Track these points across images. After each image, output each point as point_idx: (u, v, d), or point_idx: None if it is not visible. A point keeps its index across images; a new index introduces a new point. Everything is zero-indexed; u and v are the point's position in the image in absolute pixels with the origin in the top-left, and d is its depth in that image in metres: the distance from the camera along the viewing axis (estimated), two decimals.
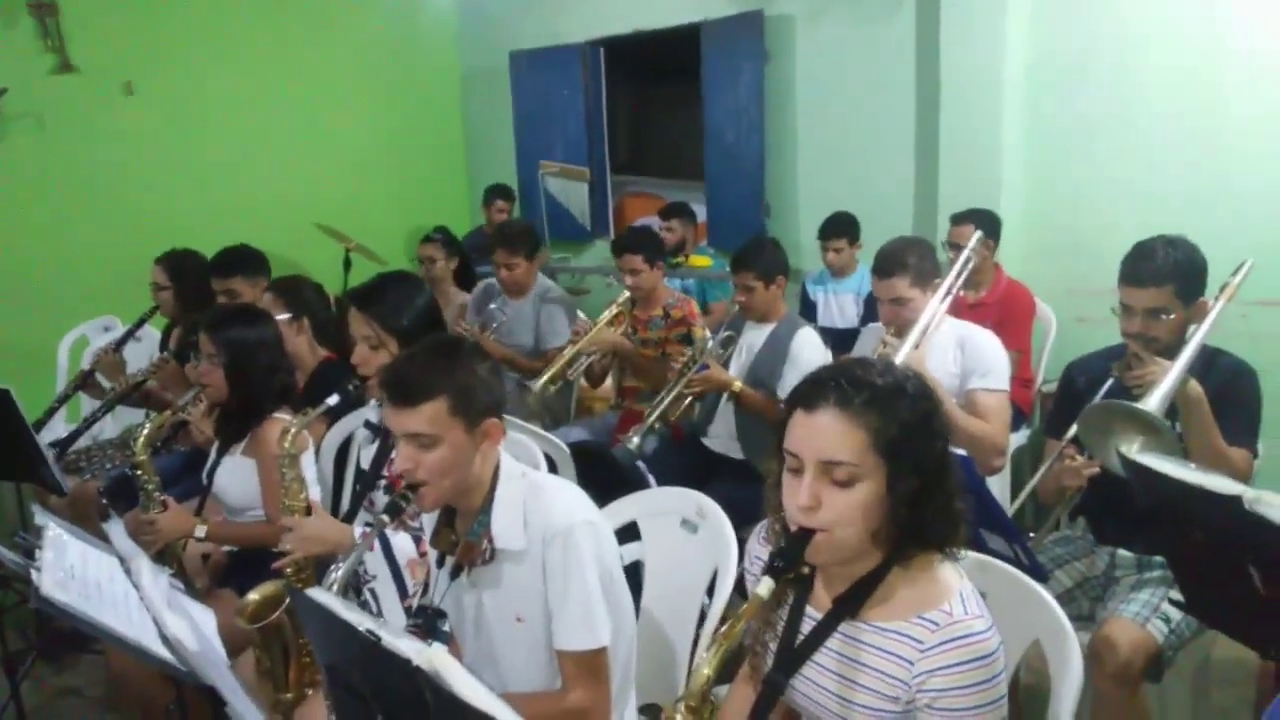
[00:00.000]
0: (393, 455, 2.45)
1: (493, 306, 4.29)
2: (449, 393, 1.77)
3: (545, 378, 3.80)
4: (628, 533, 2.32)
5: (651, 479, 3.24)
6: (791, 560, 1.42)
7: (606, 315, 3.95)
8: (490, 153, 7.11)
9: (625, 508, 2.36)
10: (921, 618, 1.45)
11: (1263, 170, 3.82)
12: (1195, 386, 2.26)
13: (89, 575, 1.83)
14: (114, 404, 3.78)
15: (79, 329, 4.83)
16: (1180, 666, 2.32)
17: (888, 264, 2.92)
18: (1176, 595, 2.06)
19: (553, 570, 1.79)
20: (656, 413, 3.55)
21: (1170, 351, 2.32)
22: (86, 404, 4.18)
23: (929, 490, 1.43)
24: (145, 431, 2.68)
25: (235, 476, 2.71)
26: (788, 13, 5.35)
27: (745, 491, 3.12)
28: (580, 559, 1.77)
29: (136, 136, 5.48)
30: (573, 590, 1.77)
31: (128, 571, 1.83)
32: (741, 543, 2.05)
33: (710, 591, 2.14)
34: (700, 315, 4.13)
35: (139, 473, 2.62)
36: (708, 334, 3.68)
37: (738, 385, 3.43)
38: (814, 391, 1.45)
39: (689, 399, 3.58)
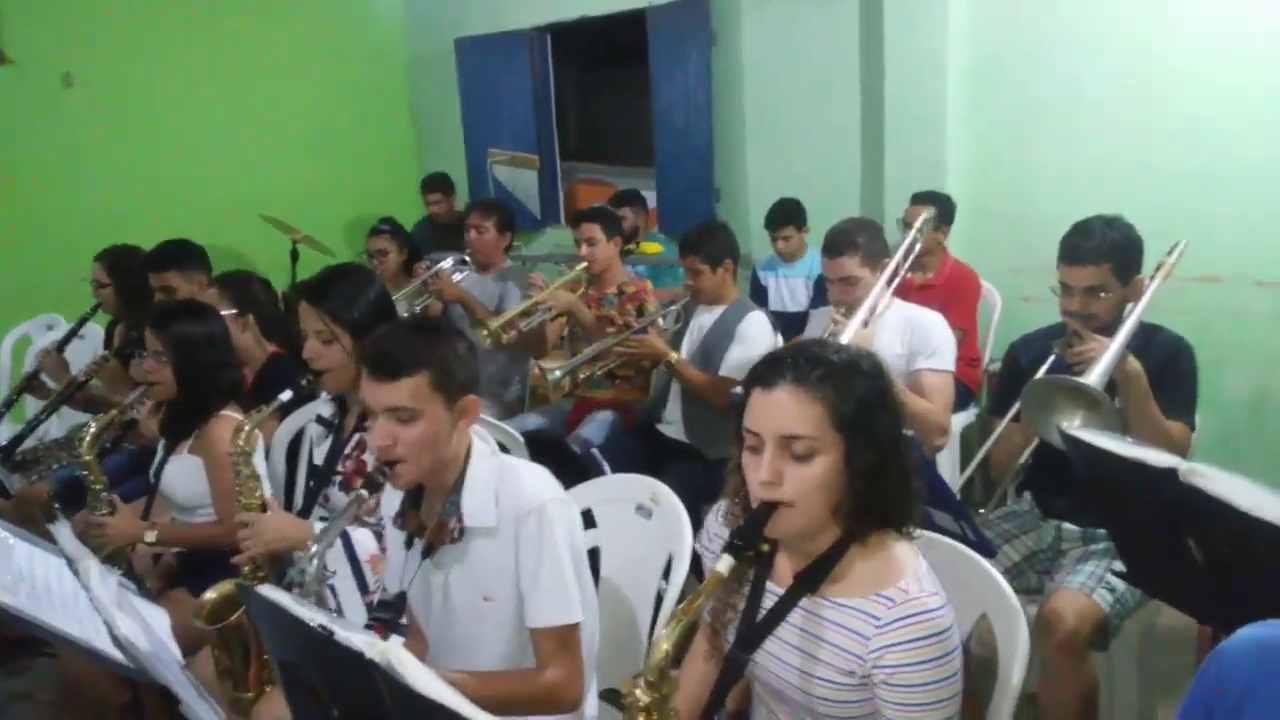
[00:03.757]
0: (347, 451, 2.46)
1: (453, 258, 4.36)
2: (431, 367, 1.78)
3: (499, 323, 3.80)
4: (583, 520, 2.33)
5: (606, 466, 3.25)
6: (751, 538, 1.45)
7: (564, 279, 3.97)
8: (438, 141, 7.06)
9: (580, 495, 2.36)
10: (879, 594, 1.48)
11: (1201, 151, 3.90)
12: (1134, 362, 2.32)
13: (37, 578, 1.81)
14: (56, 406, 3.72)
15: (21, 328, 4.74)
16: (1126, 635, 2.38)
17: (837, 244, 2.96)
18: (1120, 566, 2.11)
19: (526, 546, 1.80)
20: (584, 356, 3.64)
21: (1109, 329, 2.38)
22: (32, 406, 4.10)
23: (886, 466, 1.47)
24: (91, 431, 2.64)
25: (183, 475, 2.68)
26: None
27: (699, 477, 3.16)
28: (554, 535, 1.79)
29: (76, 129, 5.38)
30: (546, 566, 1.79)
31: (76, 573, 1.81)
32: (696, 526, 2.07)
33: (666, 576, 2.16)
34: (654, 295, 4.14)
35: (86, 473, 2.58)
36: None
37: (674, 356, 3.46)
38: (771, 370, 1.48)
39: (618, 360, 3.66)
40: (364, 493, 1.81)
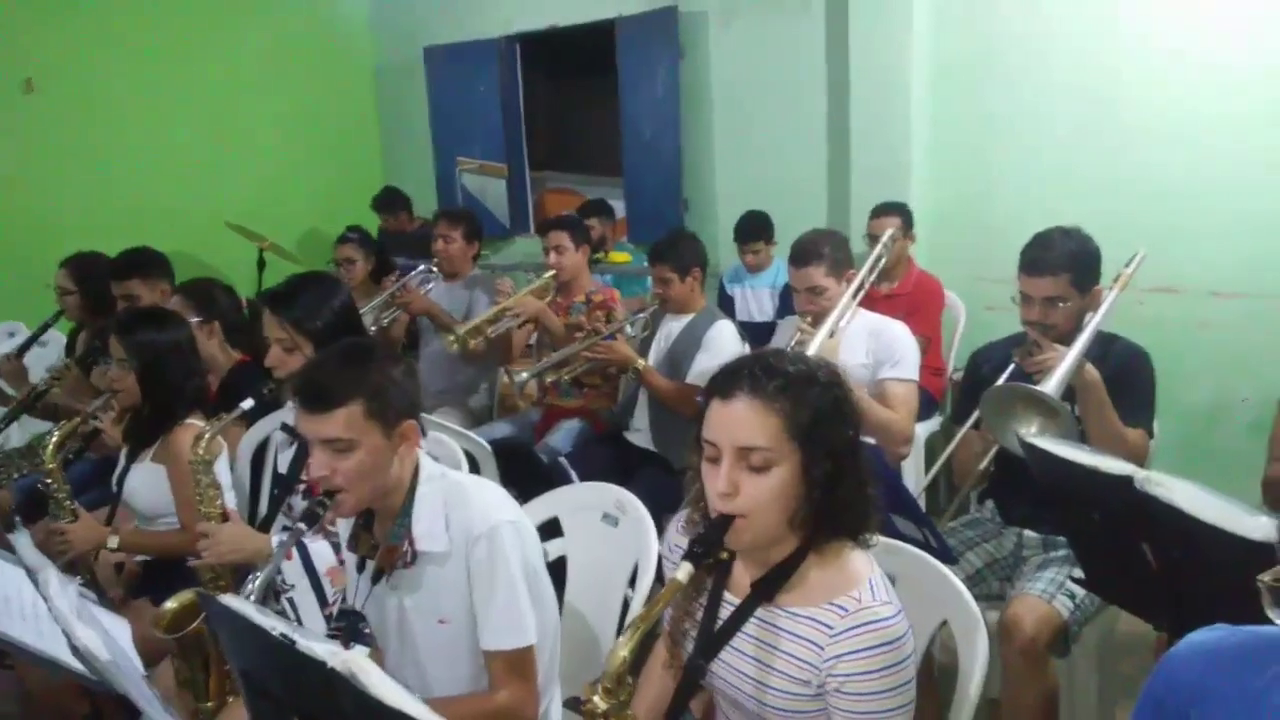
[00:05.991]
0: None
1: (420, 268, 4.35)
2: (364, 396, 1.75)
3: (465, 329, 3.79)
4: (550, 529, 2.34)
5: (574, 475, 3.25)
6: (711, 546, 1.46)
7: (532, 286, 3.97)
8: (406, 149, 7.03)
9: (547, 504, 2.37)
10: (832, 604, 1.49)
11: (1159, 164, 3.96)
12: (1091, 370, 2.35)
13: None
14: (17, 414, 3.66)
15: None
16: (1086, 640, 2.41)
17: (804, 254, 2.98)
18: (1080, 573, 2.15)
19: (478, 571, 1.79)
20: (551, 361, 3.65)
21: (1068, 338, 2.41)
22: None
23: (841, 475, 1.48)
24: (54, 438, 2.61)
25: (146, 483, 2.65)
26: (700, 9, 5.40)
27: (667, 484, 3.17)
28: (505, 559, 1.78)
29: (38, 135, 5.31)
30: (498, 590, 1.77)
31: (36, 583, 1.79)
32: (662, 534, 2.08)
33: (632, 583, 2.17)
34: (622, 303, 4.16)
35: (49, 481, 2.55)
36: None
37: (641, 363, 3.47)
38: (729, 381, 1.49)
39: (585, 365, 3.66)
40: (303, 525, 1.77)
